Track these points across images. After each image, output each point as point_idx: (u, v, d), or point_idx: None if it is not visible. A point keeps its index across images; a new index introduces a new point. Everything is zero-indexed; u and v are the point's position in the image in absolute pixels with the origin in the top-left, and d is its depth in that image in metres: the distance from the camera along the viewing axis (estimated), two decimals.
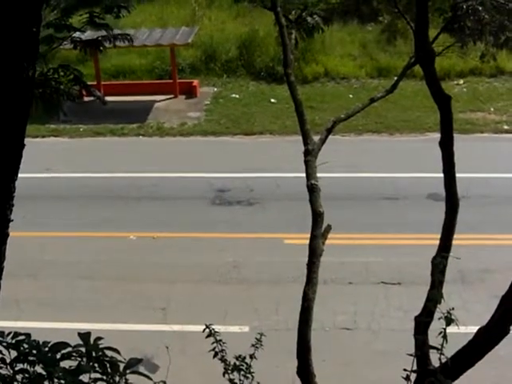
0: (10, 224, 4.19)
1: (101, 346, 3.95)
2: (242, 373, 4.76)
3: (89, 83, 8.20)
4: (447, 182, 6.63)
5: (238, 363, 4.75)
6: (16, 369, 3.92)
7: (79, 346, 3.94)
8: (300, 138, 8.18)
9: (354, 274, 13.61)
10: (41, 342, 4.01)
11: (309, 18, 10.50)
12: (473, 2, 9.56)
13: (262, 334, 5.39)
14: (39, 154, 17.90)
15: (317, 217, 7.21)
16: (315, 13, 10.69)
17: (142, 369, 4.13)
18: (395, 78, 10.36)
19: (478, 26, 9.96)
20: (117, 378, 3.84)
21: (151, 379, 4.01)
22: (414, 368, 4.52)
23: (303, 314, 6.71)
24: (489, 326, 5.25)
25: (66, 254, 14.56)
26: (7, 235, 4.19)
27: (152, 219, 15.86)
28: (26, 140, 4.28)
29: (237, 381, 4.78)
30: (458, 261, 6.37)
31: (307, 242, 7.18)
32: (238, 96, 23.13)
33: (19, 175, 4.22)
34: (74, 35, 6.74)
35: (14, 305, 12.79)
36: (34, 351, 3.93)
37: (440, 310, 4.44)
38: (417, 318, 5.58)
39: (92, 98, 7.68)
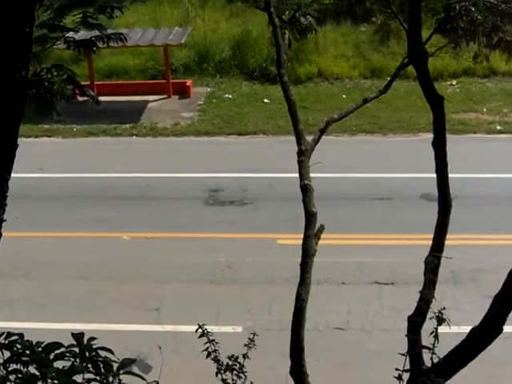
0: (3, 224, 4.19)
1: (94, 347, 3.95)
2: (235, 373, 4.75)
3: (82, 83, 8.20)
4: (440, 183, 6.64)
5: (230, 363, 4.75)
6: (9, 369, 3.91)
7: (72, 346, 3.94)
8: (293, 138, 8.19)
9: (348, 274, 13.63)
10: (34, 343, 4.01)
11: (302, 19, 10.51)
12: (466, 3, 9.59)
13: (254, 334, 5.39)
14: (32, 154, 17.85)
15: (310, 217, 7.22)
16: (308, 13, 10.70)
17: (135, 369, 4.13)
18: (388, 79, 10.38)
19: (470, 26, 9.98)
20: (110, 379, 3.84)
21: (144, 379, 4.01)
22: (407, 367, 4.53)
23: (296, 314, 6.71)
24: (481, 325, 5.27)
25: (60, 255, 14.53)
26: (0, 235, 4.19)
27: (145, 219, 15.85)
28: (19, 140, 4.28)
29: (230, 381, 4.78)
30: (451, 261, 6.38)
31: (300, 242, 7.19)
32: (231, 96, 23.13)
33: (12, 175, 4.22)
34: (68, 35, 6.73)
35: (7, 305, 12.77)
36: (27, 351, 3.92)
37: (433, 310, 4.46)
38: (409, 318, 5.59)
39: (85, 98, 7.65)
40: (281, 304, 12.03)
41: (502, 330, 5.21)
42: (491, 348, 5.38)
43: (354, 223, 15.31)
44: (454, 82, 23.24)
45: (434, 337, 4.30)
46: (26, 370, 3.89)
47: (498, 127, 20.32)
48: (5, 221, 4.13)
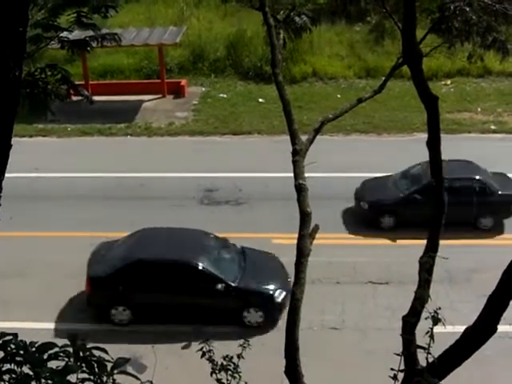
0: None
1: (88, 346, 3.93)
2: (230, 373, 4.74)
3: (76, 83, 8.17)
4: (434, 182, 6.65)
5: (225, 363, 4.73)
6: (3, 369, 3.90)
7: (66, 345, 3.93)
8: (288, 137, 8.19)
9: (342, 274, 13.64)
10: (28, 342, 3.99)
11: (297, 19, 10.51)
12: (460, 3, 9.60)
13: (247, 340, 5.37)
14: (27, 154, 17.81)
15: (304, 216, 7.22)
16: (303, 13, 10.71)
17: (129, 369, 4.12)
18: (383, 79, 10.39)
19: (465, 26, 10.00)
20: (104, 378, 3.82)
21: (139, 379, 3.99)
22: (402, 367, 4.53)
23: (291, 313, 6.71)
24: (476, 325, 5.27)
25: (54, 254, 14.50)
26: None
27: (140, 219, 15.79)
28: (14, 140, 4.27)
29: (224, 381, 4.76)
30: (446, 261, 6.40)
31: (295, 241, 7.19)
32: (225, 96, 23.12)
33: (6, 175, 4.21)
34: (62, 35, 6.71)
35: (1, 305, 12.75)
36: (21, 351, 3.91)
37: (428, 310, 4.45)
38: (404, 318, 5.60)
39: (80, 98, 7.63)
40: None
41: (496, 329, 5.21)
42: (485, 347, 5.38)
43: (348, 223, 15.32)
44: (449, 82, 23.28)
45: (429, 337, 4.29)
46: (19, 369, 3.88)
47: (493, 127, 20.35)
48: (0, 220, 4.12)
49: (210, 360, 4.87)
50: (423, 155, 6.82)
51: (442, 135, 6.74)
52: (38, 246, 14.86)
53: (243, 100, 22.77)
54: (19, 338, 4.03)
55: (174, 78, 23.68)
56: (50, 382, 3.76)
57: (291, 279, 7.65)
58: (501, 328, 5.31)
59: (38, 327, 11.91)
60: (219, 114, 21.87)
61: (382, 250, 14.38)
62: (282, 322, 6.90)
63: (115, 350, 4.10)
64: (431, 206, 6.75)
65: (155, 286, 12.31)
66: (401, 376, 4.63)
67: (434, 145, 6.55)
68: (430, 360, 4.31)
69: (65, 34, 6.76)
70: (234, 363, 4.80)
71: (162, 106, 22.61)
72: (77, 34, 7.31)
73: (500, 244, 14.18)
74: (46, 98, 6.21)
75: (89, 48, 7.05)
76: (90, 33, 6.88)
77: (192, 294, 12.13)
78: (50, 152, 19.68)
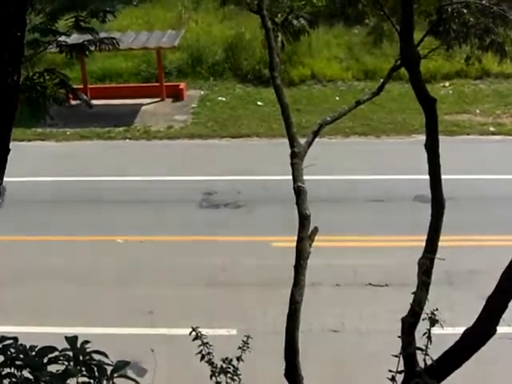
0: None
1: (88, 350, 3.94)
2: (229, 375, 4.76)
3: (75, 87, 8.17)
4: (433, 184, 6.67)
5: (224, 366, 4.75)
6: (3, 373, 3.91)
7: (66, 349, 3.94)
8: (287, 140, 8.20)
9: (342, 276, 13.63)
10: (28, 347, 4.00)
11: (295, 21, 10.51)
12: (458, 5, 9.61)
13: (248, 337, 5.39)
14: (26, 158, 17.83)
15: (303, 219, 7.22)
16: (301, 16, 10.71)
17: (129, 372, 4.12)
18: (381, 81, 10.40)
19: (463, 28, 10.00)
20: (104, 382, 3.84)
21: (138, 383, 4.00)
22: (401, 369, 4.54)
23: (291, 316, 6.71)
24: (475, 326, 5.29)
25: (53, 258, 14.51)
26: None
27: (139, 223, 15.83)
28: (12, 144, 4.28)
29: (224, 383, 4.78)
30: (445, 262, 6.40)
31: (295, 244, 7.20)
32: (224, 99, 23.13)
33: (5, 179, 4.22)
34: (60, 39, 6.71)
35: (0, 309, 12.75)
36: (21, 355, 3.92)
37: (427, 312, 4.47)
38: (403, 319, 5.61)
39: (79, 102, 7.66)
40: (275, 306, 12.01)
41: (496, 330, 5.23)
42: (485, 349, 5.39)
43: (348, 225, 15.33)
44: (447, 84, 23.29)
45: (426, 338, 4.31)
46: (19, 373, 3.89)
47: (491, 128, 20.36)
48: None
49: (210, 363, 4.89)
50: (422, 157, 6.82)
51: (441, 137, 6.76)
52: (37, 250, 14.86)
53: (242, 103, 22.78)
54: (19, 342, 4.04)
55: (172, 82, 23.69)
56: None
57: None
58: (500, 329, 5.33)
59: (38, 331, 11.89)
60: (218, 117, 21.88)
61: (381, 252, 14.38)
62: (282, 325, 6.90)
63: (115, 354, 4.11)
64: None
65: None
66: (400, 378, 4.64)
67: (432, 147, 6.56)
68: (428, 361, 4.33)
69: (63, 38, 6.76)
70: (233, 366, 4.82)
71: (161, 109, 22.62)
72: (75, 38, 7.31)
73: (499, 245, 14.17)
74: (45, 103, 6.21)
75: (87, 52, 7.05)
76: (89, 37, 6.89)
77: None
78: (48, 156, 19.69)
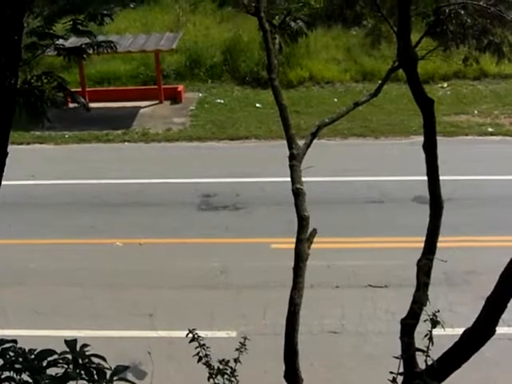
0: None
1: (87, 353, 3.94)
2: (226, 377, 4.75)
3: (73, 90, 8.17)
4: (431, 185, 6.67)
5: (222, 367, 4.75)
6: (2, 377, 3.91)
7: (65, 353, 3.94)
8: (285, 142, 8.20)
9: (341, 278, 13.63)
10: (27, 350, 4.00)
11: (292, 23, 10.51)
12: (455, 6, 9.62)
13: (246, 338, 5.39)
14: (24, 161, 17.85)
15: (302, 221, 7.22)
16: (299, 18, 10.71)
17: (129, 375, 4.13)
18: (379, 82, 10.40)
19: (460, 29, 10.01)
20: None
21: None
22: (401, 370, 4.54)
23: (290, 318, 6.71)
24: (474, 327, 5.28)
25: (52, 262, 14.50)
26: None
27: (138, 225, 15.83)
28: (11, 147, 4.27)
29: None
30: (444, 263, 6.40)
31: (294, 246, 7.19)
32: (222, 101, 23.15)
33: (4, 183, 4.21)
34: (58, 42, 6.71)
35: (0, 313, 12.74)
36: (20, 359, 3.92)
37: (426, 313, 4.47)
38: (403, 321, 5.61)
39: (77, 105, 7.66)
40: (275, 308, 12.03)
41: (495, 331, 5.22)
42: (485, 349, 5.39)
43: (347, 226, 15.33)
44: (445, 85, 23.32)
45: (428, 339, 4.31)
46: (19, 377, 3.89)
47: (490, 129, 20.38)
48: None
49: (207, 365, 4.88)
50: (420, 158, 6.83)
51: (440, 138, 6.76)
52: (37, 253, 14.85)
53: (240, 105, 22.81)
54: (18, 346, 4.04)
55: (170, 84, 23.72)
56: None
57: None
58: (500, 330, 5.33)
59: (37, 334, 11.89)
60: (216, 119, 21.89)
61: (380, 253, 14.37)
62: (281, 327, 6.90)
63: (114, 358, 4.11)
64: None
65: None
66: (400, 379, 4.64)
67: (430, 148, 6.57)
68: (429, 363, 4.33)
69: (61, 41, 6.76)
70: (230, 367, 4.81)
71: (159, 111, 22.65)
72: (73, 42, 7.31)
73: (498, 245, 14.17)
74: (43, 106, 6.21)
75: (85, 55, 7.05)
76: (87, 40, 6.89)
77: None
78: (47, 159, 19.70)
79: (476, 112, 21.54)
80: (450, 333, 5.33)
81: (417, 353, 5.05)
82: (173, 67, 24.51)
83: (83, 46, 6.96)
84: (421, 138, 6.81)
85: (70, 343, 3.98)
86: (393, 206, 16.19)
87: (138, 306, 13.09)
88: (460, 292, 13.02)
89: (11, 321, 12.58)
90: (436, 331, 4.35)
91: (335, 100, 22.55)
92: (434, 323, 4.28)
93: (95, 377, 3.84)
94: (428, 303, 5.11)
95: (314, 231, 7.35)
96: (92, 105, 20.52)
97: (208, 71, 24.49)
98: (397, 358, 4.54)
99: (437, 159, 6.59)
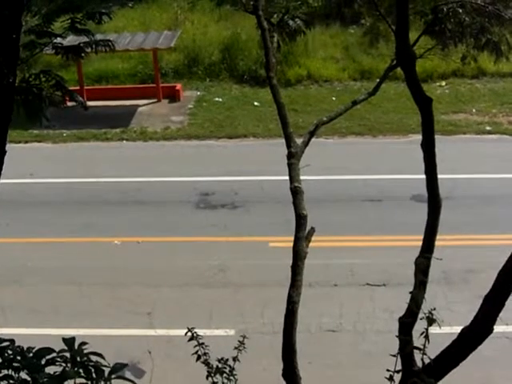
0: None
1: (85, 352, 3.94)
2: (225, 375, 4.76)
3: (72, 88, 8.17)
4: (429, 183, 6.68)
5: (220, 366, 4.76)
6: (0, 375, 3.91)
7: (64, 351, 3.94)
8: (283, 141, 8.20)
9: (339, 276, 13.64)
10: (25, 348, 4.00)
11: (290, 22, 10.51)
12: (453, 5, 9.61)
13: (244, 337, 5.40)
14: (22, 160, 17.83)
15: (300, 219, 7.22)
16: (297, 16, 10.71)
17: (127, 374, 4.13)
18: (377, 81, 10.40)
19: (458, 28, 10.01)
20: (102, 383, 3.84)
21: None
22: (399, 368, 4.54)
23: (288, 316, 6.71)
24: (472, 325, 5.29)
25: (51, 260, 14.50)
26: None
27: (136, 224, 15.83)
28: (9, 145, 4.28)
29: None
30: (442, 261, 6.40)
31: (292, 244, 7.19)
32: (221, 99, 23.14)
33: (2, 181, 4.22)
34: (56, 41, 6.70)
35: None
36: (19, 357, 3.92)
37: (424, 311, 4.47)
38: (400, 319, 5.61)
39: (75, 103, 7.64)
40: (273, 307, 12.05)
41: (493, 329, 5.23)
42: (483, 347, 5.40)
43: (345, 225, 15.34)
44: (443, 83, 23.32)
45: (424, 337, 4.31)
46: (17, 375, 3.89)
47: (488, 128, 20.39)
48: None
49: (206, 363, 4.89)
50: (418, 157, 6.83)
51: (438, 136, 6.77)
52: (35, 252, 14.85)
53: (238, 104, 22.79)
54: (16, 344, 4.04)
55: (168, 83, 23.70)
56: None
57: None
58: (497, 328, 5.33)
59: (36, 333, 11.89)
60: (215, 117, 21.88)
61: (379, 251, 14.38)
62: (280, 325, 6.90)
63: (113, 355, 4.12)
64: None
65: None
66: (398, 377, 4.65)
67: (428, 146, 6.57)
68: (426, 361, 4.34)
69: (59, 39, 6.75)
70: (229, 366, 4.82)
71: (158, 110, 22.63)
72: (71, 40, 7.30)
73: (496, 244, 14.18)
74: (41, 104, 6.20)
75: (83, 54, 7.05)
76: (85, 39, 6.88)
77: None
78: (45, 157, 19.69)
79: (474, 110, 21.55)
80: (448, 331, 5.35)
81: (415, 351, 5.06)
82: (171, 65, 24.50)
83: (81, 44, 6.95)
84: (419, 137, 6.82)
85: (69, 341, 3.99)
86: (391, 205, 16.20)
87: (136, 304, 13.09)
88: (458, 290, 13.03)
89: (9, 319, 12.59)
90: (434, 330, 4.36)
91: (333, 98, 22.55)
92: (431, 321, 4.28)
93: (93, 375, 3.85)
94: (426, 301, 5.12)
95: (312, 229, 7.35)
96: (90, 103, 20.57)
97: (206, 69, 24.47)
98: (394, 356, 4.54)
99: (435, 158, 6.59)
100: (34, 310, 12.96)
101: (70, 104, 7.10)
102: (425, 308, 4.69)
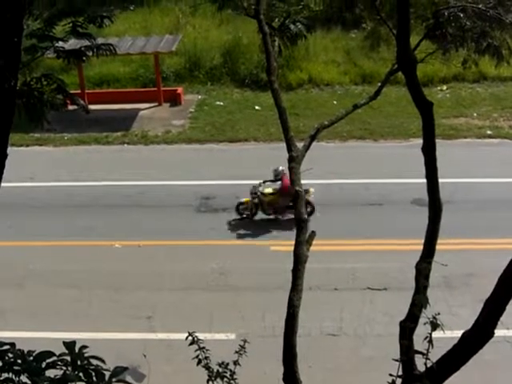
0: None
1: (86, 355, 3.94)
2: (226, 380, 4.75)
3: (73, 92, 8.20)
4: (430, 187, 6.67)
5: (221, 370, 4.75)
6: (1, 378, 3.90)
7: (64, 354, 3.93)
8: (285, 144, 8.21)
9: (340, 280, 13.63)
10: (25, 352, 4.00)
11: (292, 26, 10.53)
12: (454, 9, 9.63)
13: (245, 341, 5.39)
14: (24, 163, 17.85)
15: (301, 223, 7.22)
16: (298, 20, 10.73)
17: (127, 377, 4.12)
18: (379, 85, 10.41)
19: (459, 32, 10.02)
20: None
21: None
22: (400, 373, 4.53)
23: (289, 320, 6.71)
24: (473, 329, 5.29)
25: (52, 264, 14.50)
26: None
27: (137, 227, 15.83)
28: (10, 149, 4.28)
29: None
30: (443, 266, 6.40)
31: (293, 248, 7.19)
32: (222, 103, 23.14)
33: (3, 184, 4.21)
34: (57, 45, 6.72)
35: None
36: (19, 361, 3.91)
37: (425, 315, 4.46)
38: (402, 323, 5.60)
39: (76, 107, 7.65)
40: (274, 311, 12.03)
41: (494, 333, 5.23)
42: (483, 351, 5.40)
43: (346, 229, 15.33)
44: (444, 88, 23.32)
45: (428, 342, 4.30)
46: (17, 379, 3.88)
47: (488, 132, 20.38)
48: None
49: (206, 367, 4.88)
50: (419, 161, 6.83)
51: (439, 140, 6.76)
52: (36, 255, 14.85)
53: (239, 107, 22.79)
54: (17, 347, 4.03)
55: (170, 86, 23.70)
56: None
57: None
58: (498, 332, 5.33)
59: (36, 336, 11.89)
60: (216, 121, 21.88)
61: (379, 255, 14.37)
62: (280, 329, 6.90)
63: (113, 360, 4.11)
64: None
65: None
66: (399, 382, 4.64)
67: (429, 150, 6.57)
68: (429, 365, 4.33)
69: (60, 43, 6.77)
70: (230, 370, 4.81)
71: (159, 114, 22.63)
72: (73, 44, 7.31)
73: (497, 248, 14.18)
74: (42, 108, 6.22)
75: (84, 58, 7.07)
76: (86, 42, 6.90)
77: None
78: (46, 161, 19.69)
79: (475, 115, 21.54)
80: (449, 335, 5.32)
81: (416, 355, 5.05)
82: (172, 69, 24.51)
83: (83, 48, 6.97)
84: (420, 141, 6.82)
85: (69, 345, 3.98)
86: (392, 209, 16.19)
87: (136, 308, 13.09)
88: (459, 294, 13.02)
89: (10, 322, 12.59)
90: (436, 334, 4.35)
91: (334, 102, 22.55)
92: (434, 326, 4.27)
93: (94, 378, 3.84)
94: (428, 306, 5.11)
95: (313, 233, 7.35)
96: (91, 107, 20.53)
97: (207, 73, 24.48)
98: (396, 360, 4.53)
99: (436, 162, 6.59)
100: (34, 314, 12.96)
101: (71, 107, 7.13)
102: (426, 312, 4.68)
